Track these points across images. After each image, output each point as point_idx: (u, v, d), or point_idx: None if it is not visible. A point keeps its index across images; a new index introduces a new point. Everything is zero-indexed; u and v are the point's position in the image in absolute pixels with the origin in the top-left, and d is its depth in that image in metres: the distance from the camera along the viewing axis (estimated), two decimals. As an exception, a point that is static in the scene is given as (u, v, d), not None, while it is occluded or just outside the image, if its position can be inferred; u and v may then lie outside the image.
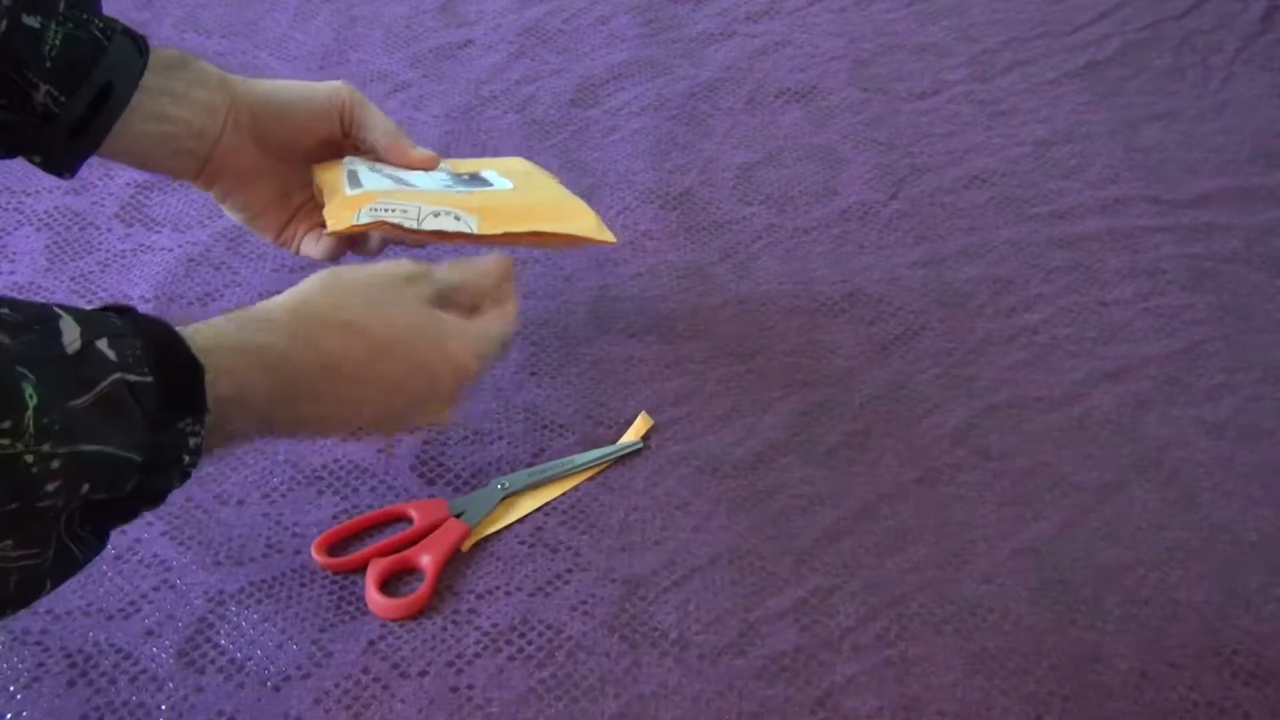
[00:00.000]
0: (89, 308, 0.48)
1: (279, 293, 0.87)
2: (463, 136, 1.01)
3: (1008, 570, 0.71)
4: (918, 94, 1.05)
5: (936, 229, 0.92)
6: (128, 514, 0.48)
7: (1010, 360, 0.83)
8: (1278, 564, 0.71)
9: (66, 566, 0.46)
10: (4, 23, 0.59)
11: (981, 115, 1.02)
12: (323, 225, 0.72)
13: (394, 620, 0.69)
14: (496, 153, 1.00)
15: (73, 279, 0.89)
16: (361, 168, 0.74)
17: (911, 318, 0.86)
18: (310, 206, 0.77)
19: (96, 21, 0.63)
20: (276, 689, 0.66)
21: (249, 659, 0.67)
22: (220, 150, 0.71)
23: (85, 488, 0.43)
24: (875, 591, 0.70)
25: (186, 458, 0.48)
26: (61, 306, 0.46)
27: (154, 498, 0.49)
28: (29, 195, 0.96)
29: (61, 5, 0.61)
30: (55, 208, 0.95)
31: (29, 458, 0.41)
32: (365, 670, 0.67)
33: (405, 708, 0.65)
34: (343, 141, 0.75)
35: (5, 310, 0.44)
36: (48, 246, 0.92)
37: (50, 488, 0.42)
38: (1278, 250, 0.90)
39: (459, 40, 1.12)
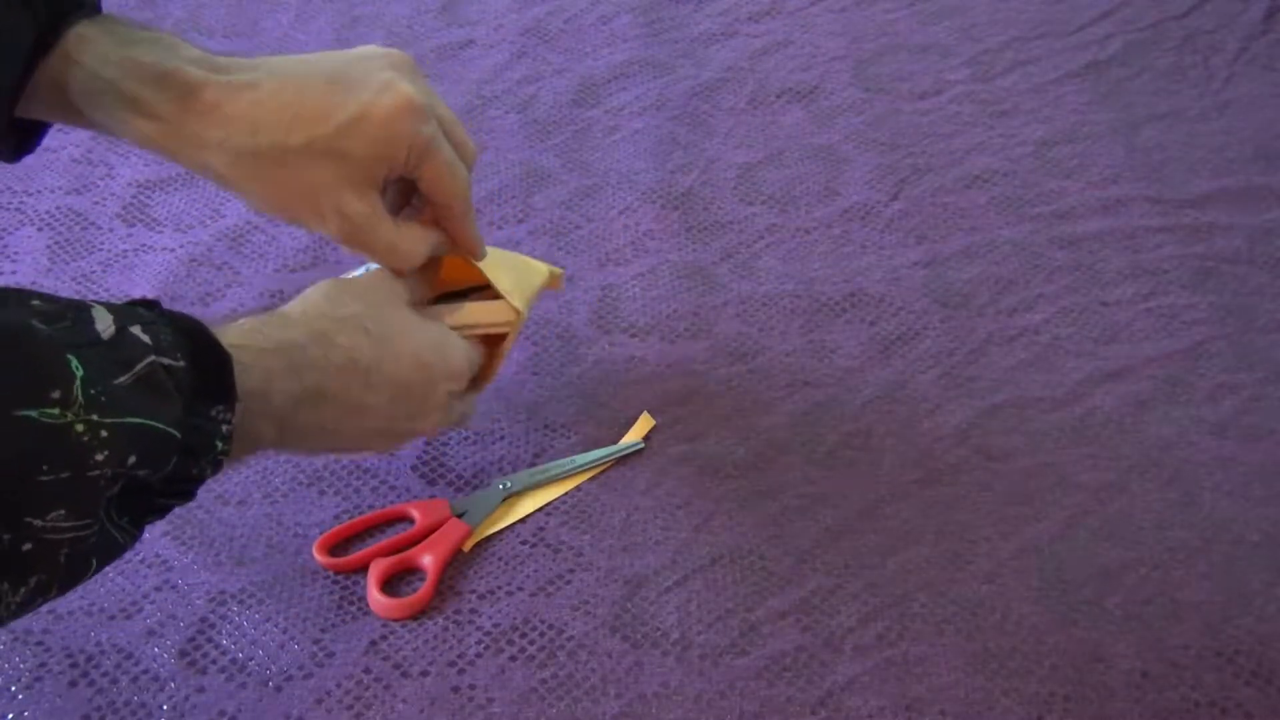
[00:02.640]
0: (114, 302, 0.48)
1: (280, 292, 0.87)
2: (464, 136, 1.01)
3: (1009, 570, 0.71)
4: (919, 94, 1.05)
5: (938, 229, 0.92)
6: (161, 508, 0.48)
7: (1012, 360, 0.82)
8: (1279, 564, 0.71)
9: (110, 549, 0.46)
10: None
11: (983, 115, 1.02)
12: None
13: (396, 620, 0.69)
14: (498, 151, 1.00)
15: (74, 279, 0.89)
16: None
17: (913, 318, 0.86)
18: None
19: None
20: (278, 689, 0.66)
21: (250, 659, 0.67)
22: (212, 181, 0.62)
23: (131, 459, 0.44)
24: (877, 591, 0.70)
25: (219, 443, 0.48)
26: (90, 300, 0.47)
27: (187, 488, 0.49)
28: (30, 195, 0.96)
29: None
30: (57, 207, 0.95)
31: (79, 426, 0.42)
32: (367, 670, 0.67)
33: (407, 708, 0.65)
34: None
35: (38, 301, 0.44)
36: (49, 246, 0.92)
37: (99, 457, 0.42)
38: (1279, 250, 0.90)
39: (460, 40, 1.12)
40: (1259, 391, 0.80)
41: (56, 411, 0.42)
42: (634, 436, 0.78)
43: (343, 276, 0.64)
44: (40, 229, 0.93)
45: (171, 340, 0.47)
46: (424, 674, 0.67)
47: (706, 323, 0.86)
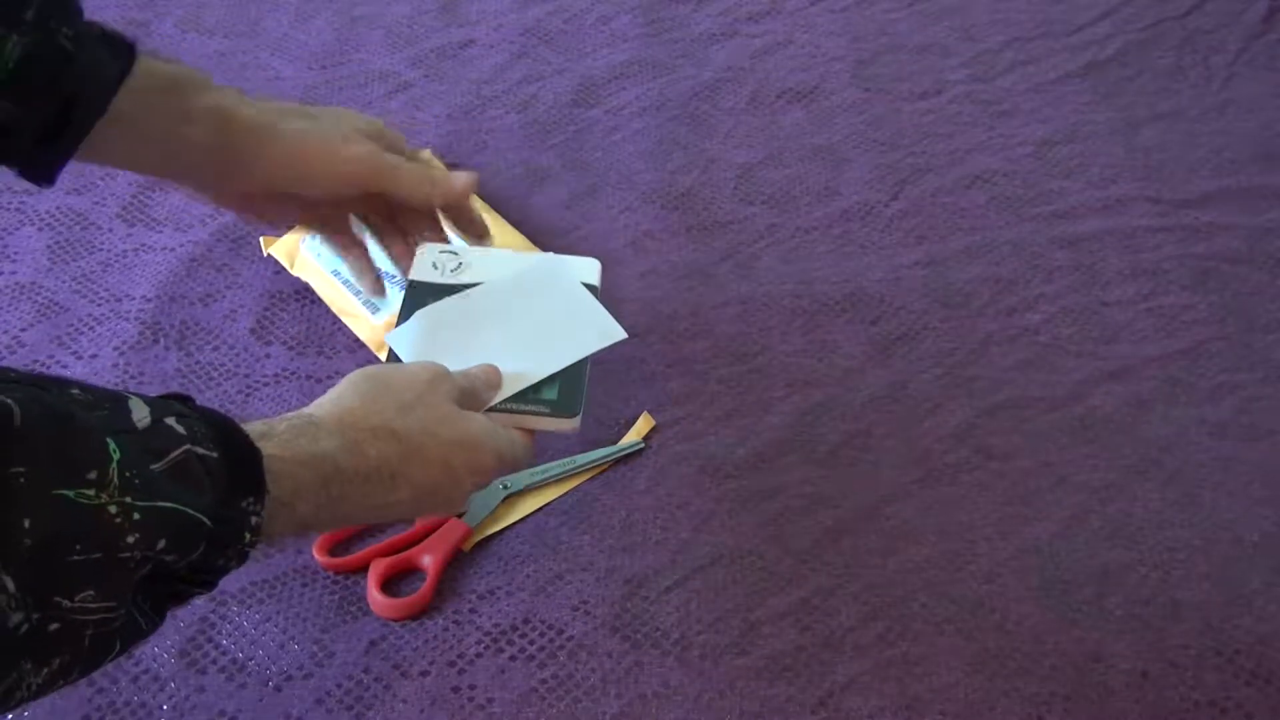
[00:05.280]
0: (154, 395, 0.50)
1: (280, 292, 0.87)
2: (464, 137, 1.01)
3: (1009, 570, 0.71)
4: (919, 94, 1.05)
5: (938, 229, 0.92)
6: (183, 595, 0.49)
7: (1011, 360, 0.82)
8: (1279, 564, 0.71)
9: (133, 632, 0.47)
10: None
11: (983, 115, 1.02)
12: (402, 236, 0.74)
13: (396, 620, 0.69)
14: (498, 151, 1.00)
15: (74, 279, 0.89)
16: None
17: (913, 318, 0.86)
18: (340, 212, 0.75)
19: (66, 30, 0.59)
20: (278, 689, 0.66)
21: (250, 659, 0.67)
22: (218, 191, 0.68)
23: (161, 543, 0.44)
24: (876, 591, 0.70)
25: (248, 535, 0.49)
26: (127, 391, 0.48)
27: (210, 577, 0.50)
28: (31, 195, 0.96)
29: (29, 14, 0.57)
30: (57, 207, 0.95)
31: (112, 508, 0.43)
32: (367, 670, 0.67)
33: (407, 708, 0.65)
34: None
35: (77, 390, 0.46)
36: (49, 246, 0.92)
37: (130, 539, 0.43)
38: (1279, 250, 0.90)
39: (460, 40, 1.12)
40: (1258, 391, 0.80)
41: (92, 493, 0.42)
42: (634, 436, 0.78)
43: (378, 368, 0.63)
44: (40, 229, 0.93)
45: (205, 432, 0.48)
46: (424, 674, 0.67)
47: (706, 323, 0.86)
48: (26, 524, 0.40)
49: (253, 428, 0.52)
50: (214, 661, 0.67)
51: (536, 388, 0.67)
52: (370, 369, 0.62)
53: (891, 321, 0.85)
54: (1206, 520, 0.73)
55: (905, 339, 0.84)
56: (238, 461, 0.49)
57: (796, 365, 0.83)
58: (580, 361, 0.69)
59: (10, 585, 0.40)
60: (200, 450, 0.47)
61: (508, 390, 0.67)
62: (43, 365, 0.83)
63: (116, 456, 0.43)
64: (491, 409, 0.66)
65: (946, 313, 0.86)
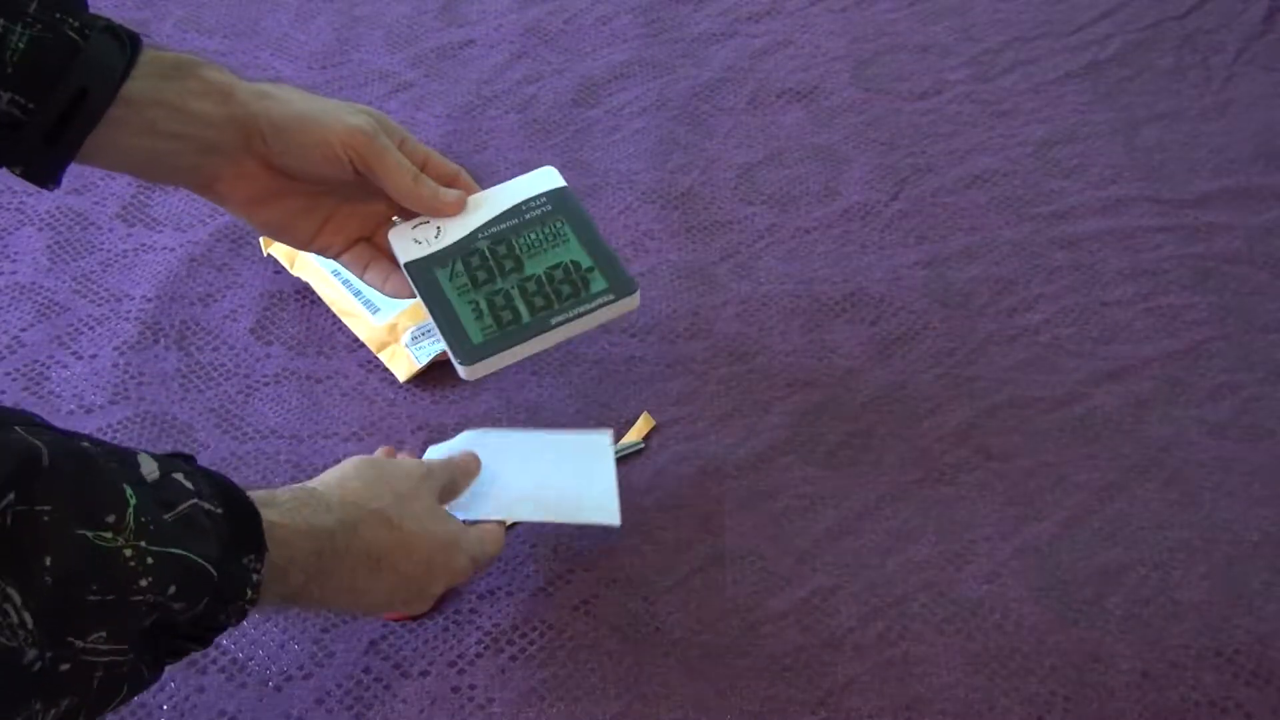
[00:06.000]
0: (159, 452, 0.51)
1: (280, 292, 0.87)
2: (464, 137, 1.01)
3: (1009, 570, 0.71)
4: (919, 94, 1.05)
5: (938, 229, 0.92)
6: (180, 650, 0.50)
7: (1011, 360, 0.82)
8: (1279, 564, 0.71)
9: (136, 680, 0.47)
10: None
11: (983, 115, 1.02)
12: (386, 258, 0.72)
13: (396, 620, 0.69)
14: (498, 151, 1.00)
15: (74, 279, 0.89)
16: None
17: (913, 318, 0.86)
18: (344, 216, 0.72)
19: (71, 21, 0.58)
20: (278, 689, 0.66)
21: (251, 659, 0.67)
22: (227, 172, 0.66)
23: (172, 589, 0.45)
24: (877, 591, 0.70)
25: (249, 592, 0.50)
26: (134, 449, 0.49)
27: (209, 634, 0.50)
28: (30, 195, 0.96)
29: (32, 5, 0.57)
30: (57, 207, 0.95)
31: (128, 551, 0.44)
32: (367, 670, 0.67)
33: (407, 708, 0.65)
34: (362, 178, 0.69)
35: (87, 444, 0.46)
36: (49, 246, 0.92)
37: (143, 583, 0.44)
38: (1279, 250, 0.90)
39: (460, 40, 1.12)
40: (1259, 391, 0.80)
41: (110, 535, 0.43)
42: (634, 437, 0.78)
43: (379, 458, 0.65)
44: (40, 229, 0.93)
45: (209, 490, 0.49)
46: (424, 674, 0.67)
47: (706, 323, 0.86)
48: (48, 562, 0.41)
49: (256, 495, 0.53)
50: (214, 661, 0.67)
51: (586, 281, 0.69)
52: (369, 458, 0.64)
53: (891, 321, 0.85)
54: (1206, 520, 0.73)
55: (905, 339, 0.84)
56: (240, 519, 0.50)
57: (796, 365, 0.83)
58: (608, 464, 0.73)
59: (29, 621, 0.41)
60: (206, 506, 0.48)
61: (504, 512, 0.70)
62: (43, 365, 0.83)
63: (133, 502, 0.45)
64: (556, 324, 0.68)
65: (946, 313, 0.86)
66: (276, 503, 0.55)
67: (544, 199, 0.73)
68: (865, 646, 0.67)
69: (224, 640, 0.67)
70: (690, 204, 0.95)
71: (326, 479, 0.61)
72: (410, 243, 0.70)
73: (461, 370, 0.67)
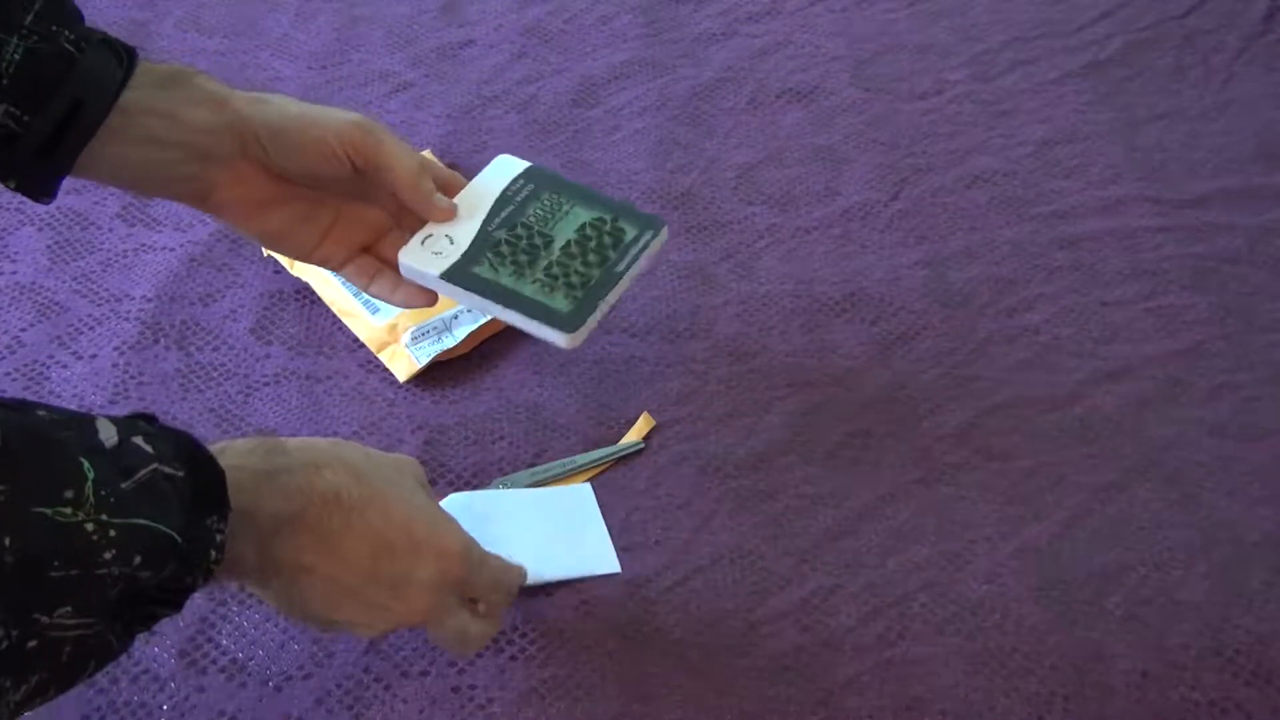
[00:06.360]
0: (118, 415, 0.50)
1: (280, 292, 0.87)
2: (464, 136, 1.01)
3: (1009, 570, 0.71)
4: (919, 94, 1.05)
5: (938, 229, 0.92)
6: (150, 616, 0.49)
7: (1011, 360, 0.82)
8: (1279, 564, 0.71)
9: (105, 652, 0.47)
10: None
11: (983, 115, 1.02)
12: (390, 270, 0.72)
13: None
14: (498, 151, 1.00)
15: (74, 279, 0.89)
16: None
17: (913, 318, 0.86)
18: (345, 225, 0.71)
19: (67, 34, 0.58)
20: (278, 689, 0.66)
21: (250, 659, 0.67)
22: (225, 180, 0.66)
23: (137, 559, 0.45)
24: (877, 591, 0.70)
25: (213, 553, 0.49)
26: (91, 412, 0.49)
27: (177, 599, 0.50)
28: (31, 195, 0.95)
29: (28, 18, 0.57)
30: (57, 207, 0.95)
31: (89, 525, 0.43)
32: (367, 670, 0.67)
33: (407, 708, 0.65)
34: (361, 179, 0.68)
35: (43, 412, 0.46)
36: (49, 246, 0.92)
37: (107, 555, 0.44)
38: (1279, 250, 0.90)
39: (460, 40, 1.12)
40: (1258, 391, 0.80)
41: (69, 510, 0.43)
42: (634, 437, 0.78)
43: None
44: (40, 229, 0.93)
45: (171, 451, 0.49)
46: (424, 674, 0.67)
47: (706, 323, 0.86)
48: (7, 541, 0.41)
49: (213, 446, 0.52)
50: (214, 661, 0.67)
51: (619, 231, 0.72)
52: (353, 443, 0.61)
53: (891, 321, 0.85)
54: (1206, 520, 0.73)
55: (905, 339, 0.84)
56: (202, 479, 0.49)
57: (796, 365, 0.83)
58: None
59: None
60: (167, 469, 0.48)
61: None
62: (43, 365, 0.83)
63: (91, 475, 0.44)
64: (621, 271, 0.70)
65: (946, 313, 0.86)
66: (232, 448, 0.54)
67: (521, 181, 0.74)
68: (865, 646, 0.67)
69: (224, 640, 0.68)
70: (690, 204, 0.95)
71: (288, 439, 0.59)
72: (430, 255, 0.70)
73: (562, 340, 0.68)
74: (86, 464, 0.44)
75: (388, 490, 0.58)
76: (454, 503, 0.73)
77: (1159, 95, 1.04)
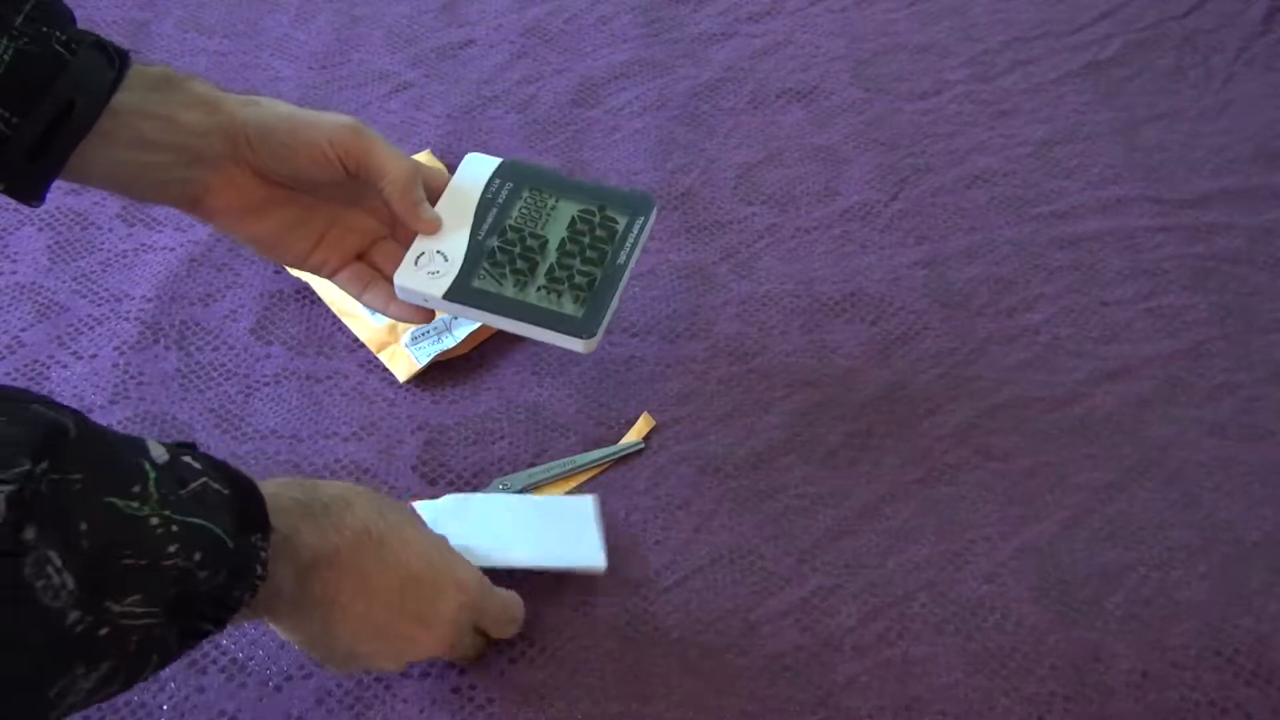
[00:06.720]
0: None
1: (280, 292, 0.87)
2: (464, 136, 1.01)
3: (1009, 570, 0.71)
4: (919, 94, 1.05)
5: (938, 229, 0.92)
6: (198, 631, 0.50)
7: (1011, 360, 0.82)
8: (1279, 564, 0.71)
9: (166, 650, 0.48)
10: None
11: (983, 115, 1.02)
12: (384, 280, 0.70)
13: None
14: (498, 151, 1.00)
15: (75, 279, 0.89)
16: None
17: (913, 318, 0.86)
18: (339, 231, 0.70)
19: (59, 35, 0.58)
20: (278, 689, 0.66)
21: (251, 659, 0.67)
22: (216, 184, 0.65)
23: (197, 555, 0.47)
24: (877, 591, 0.70)
25: (258, 568, 0.50)
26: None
27: (224, 613, 0.50)
28: (31, 195, 0.95)
29: (18, 19, 0.57)
30: (57, 207, 0.95)
31: (154, 520, 0.45)
32: (367, 670, 0.67)
33: (407, 707, 0.65)
34: (354, 184, 0.68)
35: (98, 426, 0.47)
36: (50, 246, 0.92)
37: (171, 549, 0.46)
38: (1279, 250, 0.90)
39: (460, 40, 1.12)
40: (1259, 391, 0.80)
41: (136, 504, 0.45)
42: (634, 437, 0.78)
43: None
44: (40, 229, 0.93)
45: (215, 472, 0.50)
46: (424, 674, 0.67)
47: (706, 323, 0.86)
48: (84, 527, 0.43)
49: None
50: (214, 661, 0.67)
51: (611, 220, 0.71)
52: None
53: (891, 321, 0.85)
54: (1206, 520, 0.73)
55: (905, 339, 0.84)
56: (245, 500, 0.51)
57: (796, 365, 0.83)
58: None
59: (70, 583, 0.42)
60: (215, 485, 0.49)
61: (491, 561, 0.68)
62: (43, 365, 0.83)
63: (153, 475, 0.46)
64: (622, 263, 0.69)
65: (946, 313, 0.86)
66: (269, 481, 0.55)
67: (498, 181, 0.73)
68: (865, 646, 0.67)
69: (224, 640, 0.68)
70: (690, 204, 0.95)
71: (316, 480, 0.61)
72: (426, 276, 0.69)
73: (581, 346, 0.68)
74: (147, 464, 0.46)
75: (404, 523, 0.60)
76: (450, 504, 0.72)
77: (1159, 95, 1.04)
